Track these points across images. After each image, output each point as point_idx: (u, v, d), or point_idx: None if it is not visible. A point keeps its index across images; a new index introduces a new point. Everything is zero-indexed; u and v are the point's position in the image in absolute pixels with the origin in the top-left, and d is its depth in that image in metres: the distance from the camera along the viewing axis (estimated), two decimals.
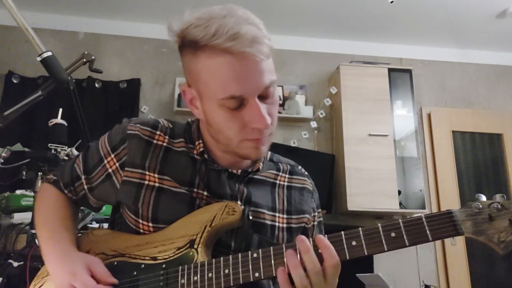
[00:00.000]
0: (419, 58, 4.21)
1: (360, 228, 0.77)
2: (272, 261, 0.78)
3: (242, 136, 0.83)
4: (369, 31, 3.98)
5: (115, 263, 0.90)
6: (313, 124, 3.83)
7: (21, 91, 3.55)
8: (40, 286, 0.94)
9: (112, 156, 0.94)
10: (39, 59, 1.57)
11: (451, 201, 3.77)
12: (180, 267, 0.84)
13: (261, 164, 0.98)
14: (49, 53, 1.57)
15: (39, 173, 2.06)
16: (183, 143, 0.95)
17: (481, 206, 0.74)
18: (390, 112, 3.68)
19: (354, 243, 0.76)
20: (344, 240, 0.77)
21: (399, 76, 3.86)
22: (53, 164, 2.03)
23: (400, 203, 3.47)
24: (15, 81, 3.61)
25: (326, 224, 1.10)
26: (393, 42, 4.16)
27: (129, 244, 0.91)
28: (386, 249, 0.75)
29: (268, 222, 0.94)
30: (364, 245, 0.76)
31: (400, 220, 0.76)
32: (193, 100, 0.89)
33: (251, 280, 0.79)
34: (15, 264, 1.64)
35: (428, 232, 0.74)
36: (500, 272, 3.79)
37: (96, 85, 3.70)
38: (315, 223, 1.05)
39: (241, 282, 0.79)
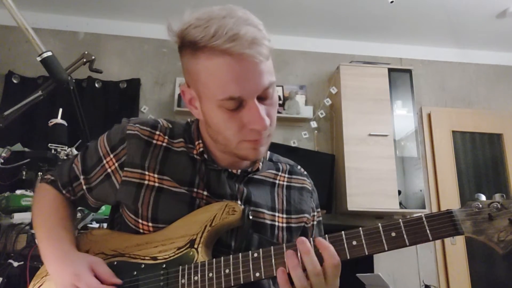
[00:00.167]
0: (419, 58, 4.21)
1: (360, 228, 0.77)
2: (273, 261, 0.79)
3: (241, 137, 0.83)
4: (369, 31, 3.98)
5: (115, 263, 0.90)
6: (313, 124, 3.83)
7: (21, 91, 3.55)
8: (40, 286, 0.93)
9: (111, 156, 0.94)
10: (39, 59, 1.57)
11: (451, 201, 3.78)
12: (181, 267, 0.84)
13: (260, 164, 0.98)
14: (49, 53, 1.58)
15: (39, 173, 2.06)
16: (183, 143, 0.95)
17: (481, 205, 0.74)
18: (390, 112, 3.68)
19: (354, 242, 0.76)
20: (344, 240, 0.77)
21: (399, 76, 3.86)
22: (53, 164, 2.03)
23: (400, 203, 3.47)
24: (15, 81, 3.60)
25: (326, 224, 1.10)
26: (393, 42, 4.16)
27: (129, 244, 0.91)
28: (386, 249, 0.75)
29: (268, 222, 0.94)
30: (364, 245, 0.76)
31: (400, 220, 0.76)
32: (192, 100, 0.89)
33: (252, 280, 0.79)
34: (15, 264, 1.64)
35: (428, 231, 0.74)
36: (500, 272, 3.79)
37: (96, 85, 3.70)
38: (315, 222, 1.05)
39: (242, 282, 0.79)
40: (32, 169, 2.14)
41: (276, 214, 0.96)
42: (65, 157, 2.05)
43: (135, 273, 0.87)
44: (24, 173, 2.15)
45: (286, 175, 1.04)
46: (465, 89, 4.21)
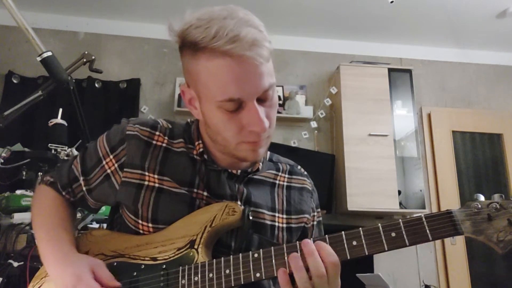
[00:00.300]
0: (419, 58, 4.21)
1: (360, 228, 0.78)
2: (273, 261, 0.79)
3: (240, 139, 0.83)
4: (369, 31, 3.98)
5: (115, 263, 0.90)
6: (313, 124, 3.83)
7: (21, 91, 3.54)
8: (39, 287, 0.93)
9: (111, 157, 0.94)
10: (39, 59, 1.57)
11: (451, 201, 3.78)
12: (181, 267, 0.84)
13: (260, 164, 0.98)
14: (49, 53, 1.58)
15: (39, 173, 2.06)
16: (183, 144, 0.95)
17: (480, 206, 0.74)
18: (390, 112, 3.68)
19: (354, 243, 0.77)
20: (344, 240, 0.77)
21: (399, 76, 3.86)
22: (53, 164, 2.03)
23: (400, 203, 3.48)
24: (15, 81, 3.61)
25: (326, 224, 1.10)
26: (393, 42, 4.16)
27: (128, 245, 0.90)
28: (386, 249, 0.75)
29: (268, 222, 0.94)
30: (364, 245, 0.76)
31: (400, 220, 0.77)
32: (192, 100, 0.89)
33: (252, 280, 0.79)
34: (15, 264, 1.64)
35: (428, 232, 0.74)
36: (500, 272, 3.79)
37: (96, 85, 3.70)
38: (315, 223, 1.05)
39: (242, 283, 0.79)
40: (32, 169, 2.14)
41: (276, 214, 0.96)
42: (65, 157, 2.05)
43: (135, 273, 0.87)
44: (24, 173, 2.15)
45: (286, 175, 1.03)
46: (465, 89, 4.21)
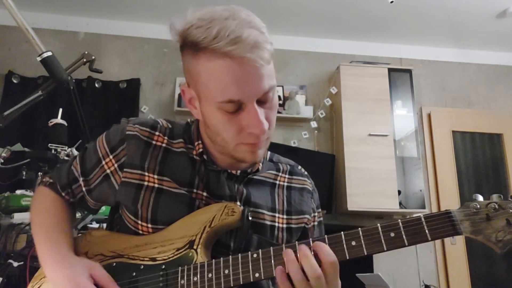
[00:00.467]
0: (419, 58, 4.21)
1: (359, 228, 0.78)
2: (272, 262, 0.79)
3: (239, 140, 0.83)
4: (369, 31, 3.98)
5: (114, 264, 0.90)
6: (313, 124, 3.83)
7: (21, 91, 3.55)
8: (39, 287, 0.93)
9: (111, 157, 0.94)
10: (39, 59, 1.57)
11: (451, 201, 3.78)
12: (180, 267, 0.84)
13: (260, 164, 0.98)
14: (49, 53, 1.58)
15: (39, 173, 2.06)
16: (182, 144, 0.95)
17: (479, 206, 0.74)
18: (390, 112, 3.68)
19: (353, 243, 0.77)
20: (344, 240, 0.77)
21: (399, 76, 3.86)
22: (53, 164, 2.03)
23: (400, 203, 3.48)
24: (15, 81, 3.61)
25: (326, 224, 1.10)
26: (393, 42, 4.16)
27: (127, 245, 0.90)
28: (385, 249, 0.76)
29: (268, 223, 0.94)
30: (363, 245, 0.76)
31: (399, 220, 0.77)
32: (192, 100, 0.89)
33: (251, 280, 0.79)
34: (15, 264, 1.64)
35: (427, 231, 0.74)
36: (500, 271, 3.79)
37: (96, 85, 3.70)
38: (315, 223, 1.05)
39: (241, 283, 0.79)
40: (32, 169, 2.14)
41: (276, 215, 0.96)
42: (65, 157, 2.05)
43: (134, 274, 0.87)
44: (24, 173, 2.15)
45: (287, 176, 1.03)
46: (465, 89, 4.22)
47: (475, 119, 4.08)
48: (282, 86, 3.87)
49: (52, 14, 3.83)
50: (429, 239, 0.74)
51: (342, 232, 0.78)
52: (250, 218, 0.88)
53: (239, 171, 0.94)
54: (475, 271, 3.68)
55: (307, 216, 1.01)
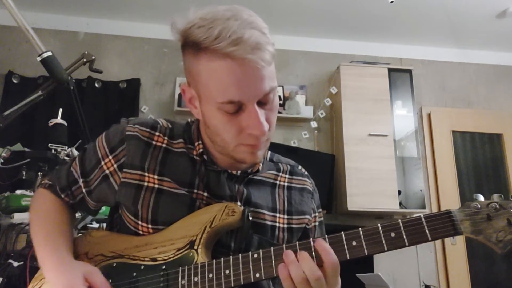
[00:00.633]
0: (419, 58, 4.21)
1: (360, 229, 0.78)
2: (273, 262, 0.79)
3: (239, 141, 0.83)
4: (369, 31, 3.98)
5: (114, 264, 0.90)
6: (313, 124, 3.83)
7: (21, 91, 3.55)
8: None
9: (110, 157, 0.93)
10: (39, 59, 1.57)
11: (451, 201, 3.78)
12: (180, 268, 0.84)
13: (261, 165, 0.98)
14: (49, 53, 1.58)
15: (39, 173, 2.06)
16: (183, 144, 0.95)
17: (479, 206, 0.74)
18: (390, 112, 3.68)
19: (354, 243, 0.77)
20: (344, 240, 0.77)
21: (399, 76, 3.86)
22: (53, 164, 2.03)
23: (400, 203, 3.48)
24: (15, 81, 3.61)
25: (326, 224, 1.10)
26: (393, 42, 4.16)
27: (128, 245, 0.90)
28: (386, 249, 0.76)
29: (268, 223, 0.94)
30: (364, 245, 0.76)
31: (399, 220, 0.77)
32: (192, 99, 0.88)
33: (252, 280, 0.79)
34: (15, 264, 1.64)
35: (427, 232, 0.74)
36: (500, 272, 3.79)
37: (96, 85, 3.70)
38: (316, 223, 1.05)
39: (242, 283, 0.79)
40: (32, 169, 2.14)
41: (277, 215, 0.96)
42: (65, 157, 2.05)
43: (134, 274, 0.87)
44: (24, 173, 2.15)
45: (287, 176, 1.03)
46: (465, 89, 4.22)
47: (475, 119, 4.08)
48: (282, 86, 3.87)
49: (52, 14, 3.83)
50: (430, 239, 0.74)
51: (342, 232, 0.78)
52: (250, 218, 0.88)
53: (239, 171, 0.94)
54: (475, 271, 3.68)
55: (307, 216, 1.01)
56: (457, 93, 4.19)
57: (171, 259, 0.86)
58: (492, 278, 3.76)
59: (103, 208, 1.12)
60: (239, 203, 0.91)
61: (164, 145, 0.94)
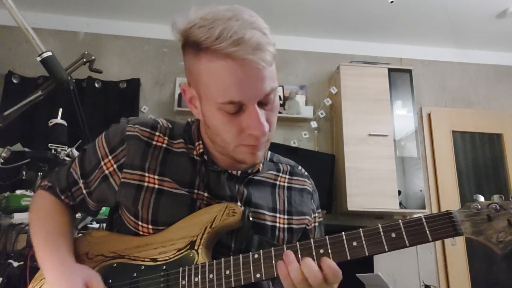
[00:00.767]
0: (419, 58, 4.21)
1: (360, 229, 0.78)
2: (274, 262, 0.79)
3: (239, 141, 0.83)
4: (369, 31, 3.98)
5: (115, 265, 0.90)
6: (313, 124, 3.83)
7: (21, 91, 3.55)
8: None
9: (110, 157, 0.93)
10: (39, 59, 1.57)
11: (451, 201, 3.78)
12: (181, 268, 0.84)
13: (261, 165, 0.98)
14: (49, 53, 1.57)
15: (39, 173, 2.06)
16: (183, 144, 0.95)
17: (480, 206, 0.74)
18: (390, 112, 3.68)
19: (355, 243, 0.77)
20: (345, 241, 0.77)
21: (399, 76, 3.86)
22: (53, 164, 2.03)
23: (400, 203, 3.48)
24: (15, 81, 3.60)
25: (326, 224, 1.10)
26: (393, 42, 4.16)
27: (128, 246, 0.90)
28: (386, 250, 0.76)
29: (269, 223, 0.94)
30: (365, 246, 0.76)
31: (400, 220, 0.77)
32: (193, 99, 0.88)
33: (252, 280, 0.79)
34: (15, 264, 1.64)
35: (428, 232, 0.74)
36: (500, 272, 3.79)
37: (96, 85, 3.70)
38: (316, 224, 1.05)
39: (243, 283, 0.79)
40: (32, 169, 2.14)
41: (277, 215, 0.96)
42: (65, 157, 2.05)
43: (135, 274, 0.87)
44: (24, 173, 2.15)
45: (287, 176, 1.03)
46: (465, 89, 4.22)
47: (475, 119, 4.08)
48: (282, 86, 3.87)
49: (52, 14, 3.83)
50: (430, 239, 0.74)
51: (343, 233, 0.78)
52: (251, 219, 0.88)
53: (239, 172, 0.94)
54: (475, 272, 3.68)
55: (307, 217, 1.01)
56: (457, 93, 4.19)
57: (172, 259, 0.86)
58: (492, 278, 3.75)
59: (103, 208, 1.11)
60: (239, 204, 0.91)
61: (164, 145, 0.94)
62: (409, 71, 3.89)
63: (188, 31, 0.79)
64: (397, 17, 3.72)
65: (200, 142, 0.94)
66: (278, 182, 1.01)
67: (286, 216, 0.97)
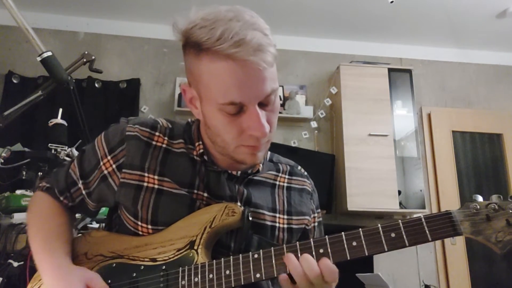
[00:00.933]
0: (419, 58, 4.21)
1: (360, 229, 0.78)
2: (273, 262, 0.79)
3: (239, 142, 0.83)
4: (369, 31, 3.98)
5: (114, 265, 0.90)
6: (313, 124, 3.84)
7: (21, 91, 3.55)
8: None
9: (109, 157, 0.93)
10: (39, 59, 1.57)
11: (451, 201, 3.78)
12: (180, 268, 0.84)
13: (261, 165, 0.98)
14: (49, 53, 1.57)
15: (39, 173, 2.06)
16: (183, 144, 0.95)
17: (478, 206, 0.75)
18: (390, 112, 3.68)
19: (354, 243, 0.77)
20: (344, 241, 0.77)
21: (399, 76, 3.86)
22: (53, 164, 2.03)
23: (400, 203, 3.48)
24: (15, 81, 3.61)
25: (326, 224, 1.10)
26: (393, 42, 4.16)
27: (127, 246, 0.90)
28: (386, 249, 0.76)
29: (268, 223, 0.94)
30: (364, 246, 0.76)
31: (400, 220, 0.77)
32: (193, 100, 0.88)
33: (252, 280, 0.79)
34: (15, 264, 1.64)
35: (427, 232, 0.75)
36: (500, 272, 3.79)
37: (96, 85, 3.70)
38: (315, 224, 1.05)
39: (242, 283, 0.79)
40: (32, 169, 2.14)
41: (277, 215, 0.96)
42: (65, 157, 2.05)
43: (134, 274, 0.87)
44: (24, 173, 2.15)
45: (287, 176, 1.03)
46: (465, 89, 4.22)
47: (475, 119, 4.08)
48: (282, 86, 3.88)
49: (52, 14, 3.83)
50: (430, 239, 0.74)
51: (342, 233, 0.78)
52: (250, 219, 0.88)
53: (239, 172, 0.94)
54: (475, 271, 3.68)
55: (307, 217, 1.01)
56: (457, 93, 4.19)
57: (171, 259, 0.86)
58: (492, 278, 3.76)
59: (103, 208, 1.11)
60: (239, 204, 0.91)
61: (164, 145, 0.94)
62: (409, 71, 3.89)
63: (189, 31, 0.79)
64: (397, 17, 3.72)
65: (200, 142, 0.94)
66: (277, 182, 1.01)
67: (285, 216, 0.97)
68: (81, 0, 3.64)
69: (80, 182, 0.97)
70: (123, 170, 0.91)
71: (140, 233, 0.90)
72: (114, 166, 0.92)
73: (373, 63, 3.86)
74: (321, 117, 3.89)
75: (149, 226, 0.89)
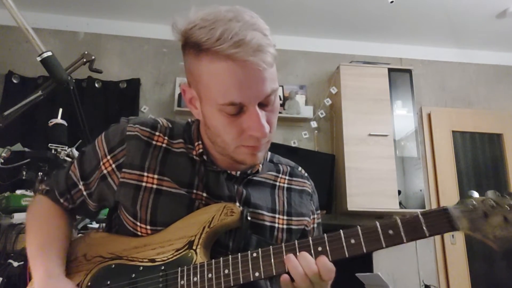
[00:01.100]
0: (419, 58, 4.21)
1: (358, 226, 0.78)
2: (272, 261, 0.79)
3: (239, 142, 0.83)
4: (369, 31, 3.98)
5: (113, 266, 0.89)
6: (313, 124, 3.84)
7: (21, 91, 3.55)
8: None
9: (109, 157, 0.93)
10: (39, 59, 1.57)
11: (451, 201, 3.71)
12: (179, 268, 0.84)
13: (260, 166, 0.98)
14: (49, 53, 1.57)
15: (39, 173, 2.06)
16: (182, 144, 0.95)
17: (475, 202, 0.75)
18: (390, 112, 3.68)
19: (353, 241, 0.77)
20: (343, 239, 0.78)
21: (399, 76, 3.86)
22: (53, 164, 2.03)
23: (400, 203, 3.48)
24: (15, 81, 3.61)
25: (327, 224, 1.10)
26: (393, 42, 4.16)
27: (126, 247, 0.90)
28: (384, 246, 0.76)
29: (267, 224, 0.94)
30: (362, 243, 0.77)
31: (397, 217, 0.77)
32: (193, 100, 0.88)
33: (251, 279, 0.79)
34: (15, 264, 1.64)
35: (424, 227, 0.75)
36: (500, 271, 3.79)
37: (96, 85, 3.70)
38: (315, 225, 1.05)
39: (241, 282, 0.79)
40: (32, 169, 2.14)
41: (277, 215, 0.96)
42: (65, 157, 2.05)
43: (133, 275, 0.87)
44: (24, 173, 2.15)
45: (287, 177, 1.03)
46: (465, 89, 4.22)
47: (475, 119, 4.08)
48: (282, 86, 3.88)
49: (52, 14, 3.83)
50: (427, 235, 0.75)
51: (341, 230, 0.78)
52: (249, 219, 0.87)
53: (238, 172, 0.94)
54: (475, 271, 3.68)
55: (306, 218, 1.01)
56: (457, 93, 4.19)
57: (170, 259, 0.86)
58: (492, 278, 3.75)
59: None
60: (237, 204, 0.91)
61: (164, 145, 0.94)
62: (409, 71, 3.89)
63: (188, 31, 0.79)
64: (397, 17, 3.72)
65: (200, 142, 0.94)
66: (277, 183, 1.01)
67: (285, 217, 0.97)
68: (81, 0, 3.64)
69: (81, 183, 0.97)
70: (123, 170, 0.91)
71: (139, 233, 0.90)
72: (113, 165, 0.92)
73: (373, 63, 3.86)
74: (321, 117, 3.89)
75: (148, 227, 0.89)
